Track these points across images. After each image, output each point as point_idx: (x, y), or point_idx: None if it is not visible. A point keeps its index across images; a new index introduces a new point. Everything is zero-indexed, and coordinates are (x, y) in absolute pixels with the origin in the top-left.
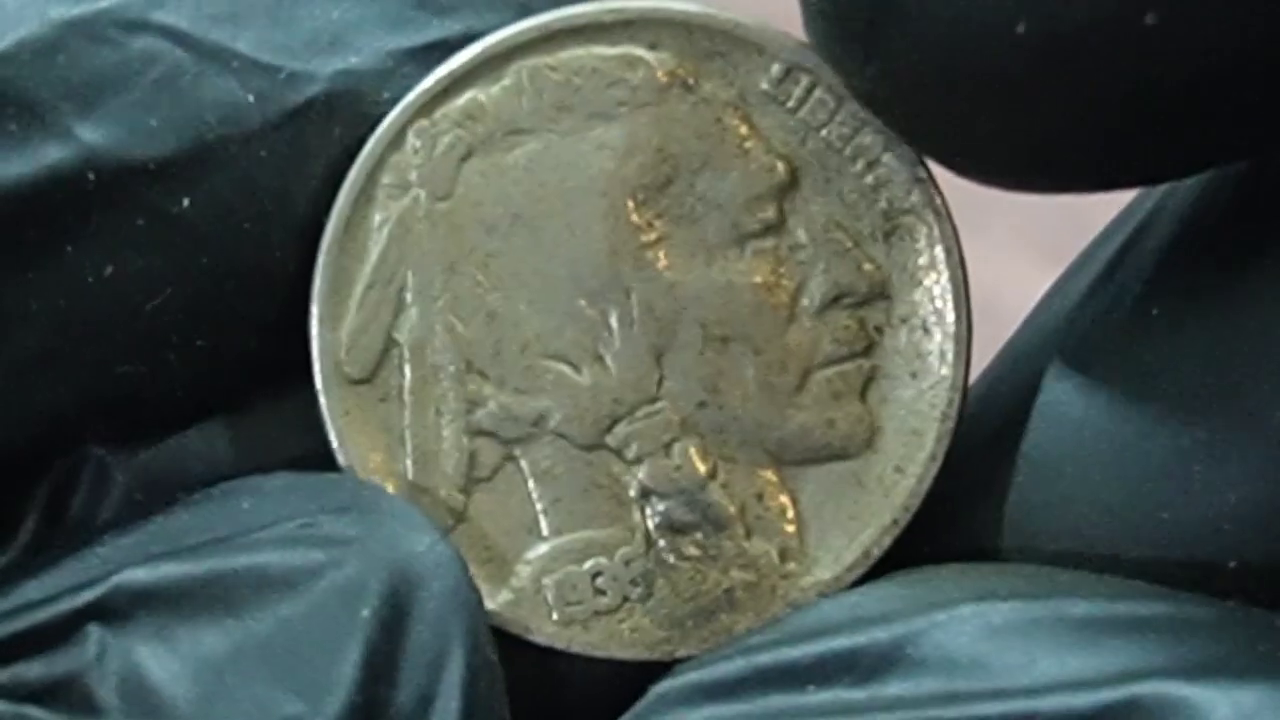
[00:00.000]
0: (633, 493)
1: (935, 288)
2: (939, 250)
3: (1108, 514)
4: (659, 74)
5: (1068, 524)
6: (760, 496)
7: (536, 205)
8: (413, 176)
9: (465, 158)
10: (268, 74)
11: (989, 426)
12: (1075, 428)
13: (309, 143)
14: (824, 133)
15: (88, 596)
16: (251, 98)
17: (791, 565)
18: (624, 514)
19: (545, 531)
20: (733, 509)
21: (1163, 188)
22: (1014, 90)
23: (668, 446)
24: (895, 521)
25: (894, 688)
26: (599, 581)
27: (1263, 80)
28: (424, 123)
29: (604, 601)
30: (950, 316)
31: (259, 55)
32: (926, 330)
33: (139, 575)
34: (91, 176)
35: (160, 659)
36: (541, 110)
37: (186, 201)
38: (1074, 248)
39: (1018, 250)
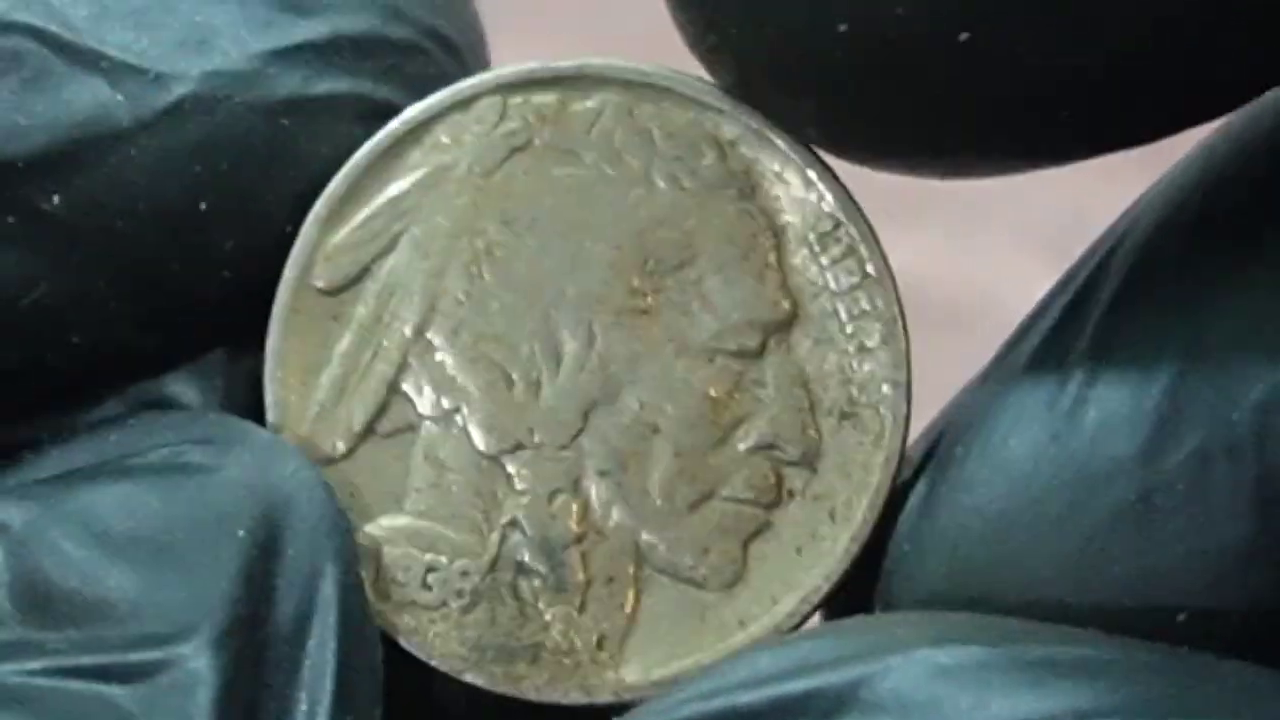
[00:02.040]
0: (502, 518)
1: (859, 486)
2: (879, 455)
3: (1060, 566)
4: (727, 169)
5: (1021, 576)
6: (610, 581)
7: (556, 223)
8: (466, 139)
9: (519, 149)
10: (136, 75)
11: (946, 474)
12: (1027, 481)
13: (179, 141)
14: (837, 300)
15: None
16: (121, 97)
17: (604, 655)
18: (484, 530)
19: (408, 508)
20: (581, 579)
21: (1125, 221)
22: (837, 83)
23: (553, 494)
24: (713, 664)
25: None
26: (430, 577)
27: (1075, 96)
28: (498, 100)
29: (426, 596)
30: (858, 518)
31: (127, 57)
32: (832, 518)
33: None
34: None
35: (47, 563)
36: (605, 146)
37: (57, 199)
38: (1074, 248)
39: (1017, 250)
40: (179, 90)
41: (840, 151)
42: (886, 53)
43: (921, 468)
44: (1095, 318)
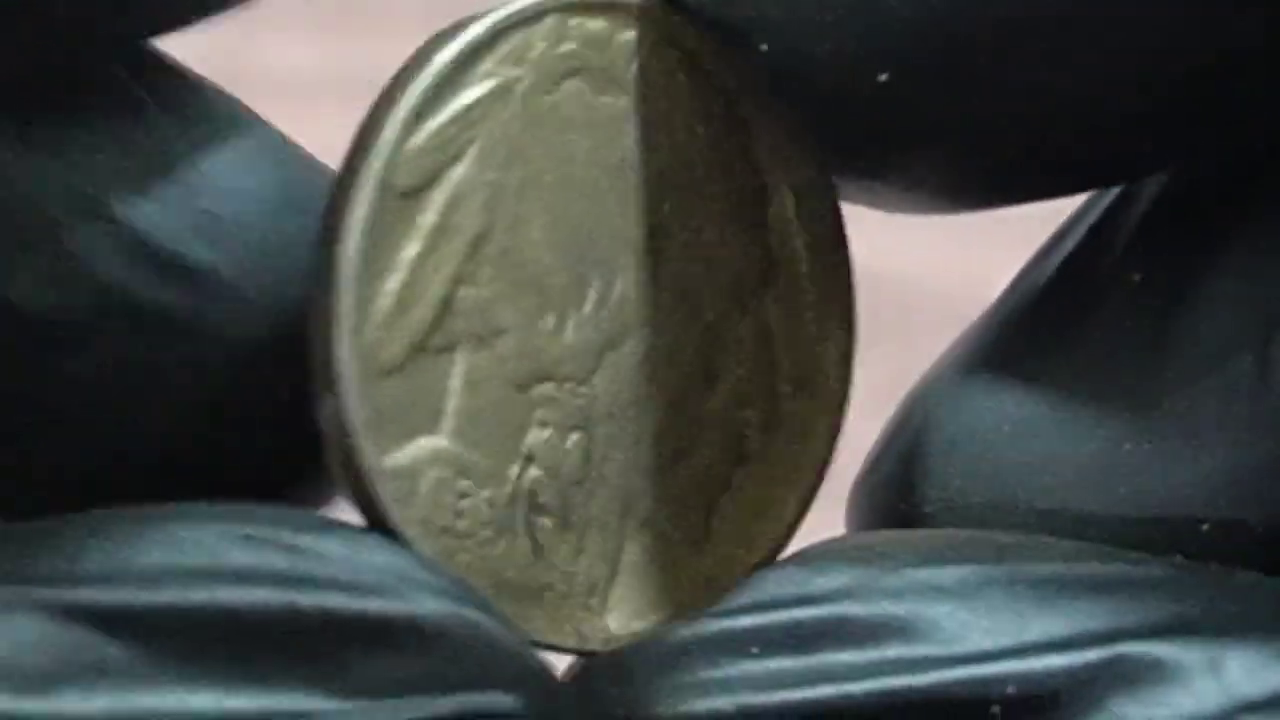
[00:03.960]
0: (523, 449)
1: (802, 455)
2: (820, 425)
3: (1084, 472)
4: (729, 121)
5: (1044, 482)
6: (603, 528)
7: (594, 154)
8: (530, 55)
9: (572, 74)
10: None
11: (968, 386)
12: (1055, 393)
13: None
14: (802, 266)
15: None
16: None
17: (593, 601)
18: (508, 463)
19: (443, 428)
20: (581, 522)
21: None
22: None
23: (568, 430)
24: (685, 615)
25: (847, 655)
26: (462, 503)
27: (991, 147)
28: (560, 19)
29: (459, 524)
30: (805, 482)
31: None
32: (785, 482)
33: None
34: None
35: None
36: (642, 81)
37: None
38: None
39: (1018, 250)
40: None
41: None
42: (804, 79)
43: (946, 379)
44: (1126, 231)
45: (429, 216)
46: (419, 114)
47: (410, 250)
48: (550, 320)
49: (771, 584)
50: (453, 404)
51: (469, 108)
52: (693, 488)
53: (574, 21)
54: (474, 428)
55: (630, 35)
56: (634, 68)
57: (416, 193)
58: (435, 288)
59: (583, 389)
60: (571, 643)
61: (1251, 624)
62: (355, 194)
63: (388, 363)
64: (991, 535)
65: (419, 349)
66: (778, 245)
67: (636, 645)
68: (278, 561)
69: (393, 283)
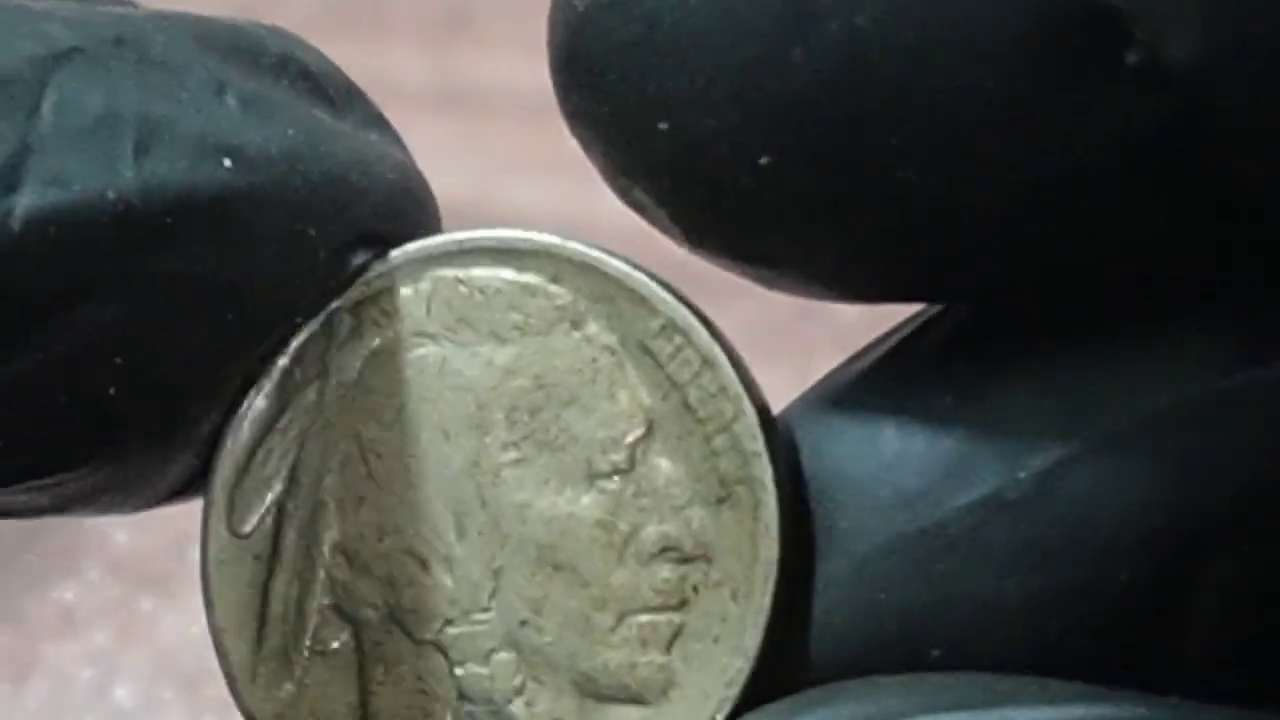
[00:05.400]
0: (450, 692)
1: (749, 560)
2: (761, 526)
3: (837, 585)
4: (553, 306)
5: (813, 592)
6: None
7: (421, 405)
8: (327, 360)
9: (374, 350)
10: None
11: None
12: (821, 497)
13: None
14: (685, 392)
15: None
16: None
17: None
18: (438, 710)
19: (366, 713)
20: None
21: None
22: (657, 176)
23: (487, 655)
24: None
25: None
26: None
27: (864, 236)
28: (347, 314)
29: None
30: (758, 591)
31: None
32: (735, 599)
33: None
34: None
35: None
36: (445, 319)
37: None
38: None
39: None
40: None
41: (679, 242)
42: (697, 157)
43: None
44: (924, 348)
45: (277, 542)
46: (242, 459)
47: (270, 580)
48: (434, 570)
49: None
50: (369, 685)
51: (282, 431)
52: (644, 643)
53: (360, 304)
54: (395, 698)
55: (421, 285)
56: (434, 309)
57: (256, 529)
58: (306, 602)
59: (488, 614)
60: None
61: None
62: (208, 548)
63: (285, 691)
64: (988, 679)
65: (311, 662)
66: (649, 389)
67: None
68: None
69: (261, 615)
